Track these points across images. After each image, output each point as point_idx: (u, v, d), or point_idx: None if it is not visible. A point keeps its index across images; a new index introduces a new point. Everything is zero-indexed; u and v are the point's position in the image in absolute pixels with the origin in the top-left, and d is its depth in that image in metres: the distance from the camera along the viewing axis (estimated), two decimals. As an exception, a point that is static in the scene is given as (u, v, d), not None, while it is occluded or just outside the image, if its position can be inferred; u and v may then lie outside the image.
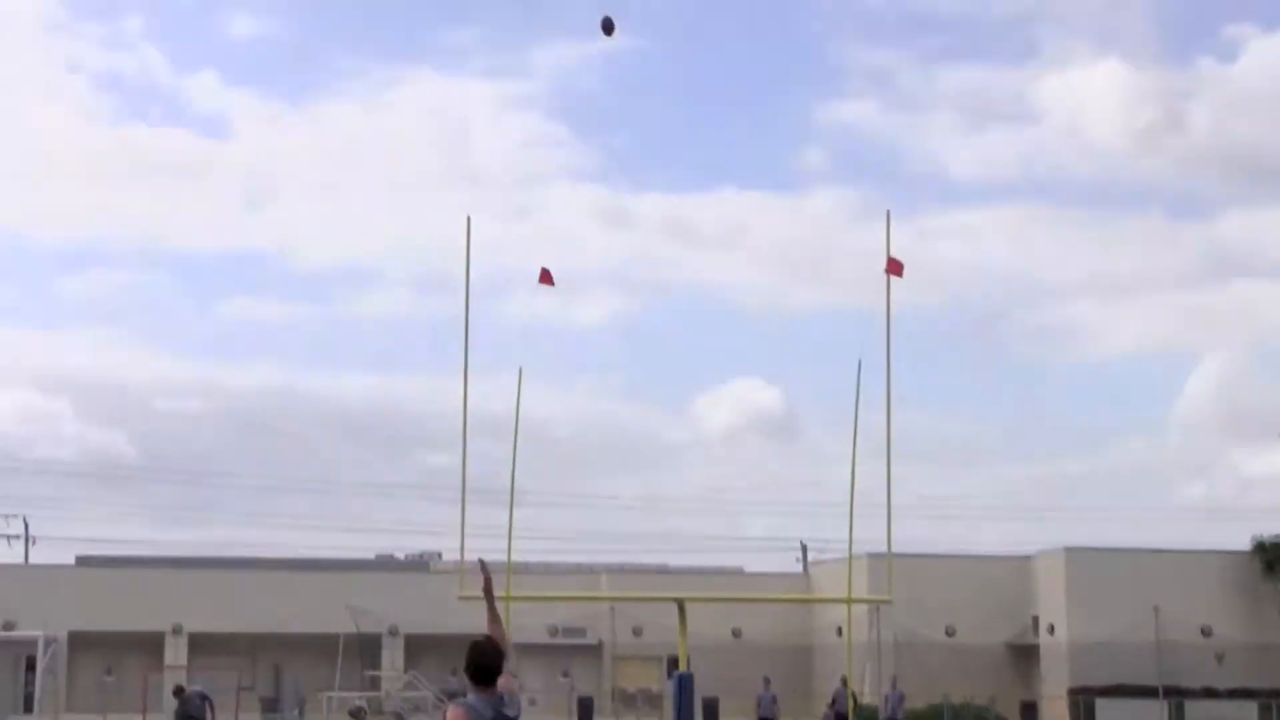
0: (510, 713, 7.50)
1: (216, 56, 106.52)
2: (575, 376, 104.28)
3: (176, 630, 56.33)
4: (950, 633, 55.27)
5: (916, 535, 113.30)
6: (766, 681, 38.96)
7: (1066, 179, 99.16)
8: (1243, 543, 54.22)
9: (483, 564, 8.65)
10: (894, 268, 27.94)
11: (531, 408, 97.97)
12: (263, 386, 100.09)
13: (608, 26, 19.53)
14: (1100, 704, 50.60)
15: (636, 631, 57.24)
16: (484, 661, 7.44)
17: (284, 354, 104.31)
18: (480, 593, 8.37)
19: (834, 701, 38.63)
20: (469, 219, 28.13)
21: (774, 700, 38.24)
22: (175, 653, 55.59)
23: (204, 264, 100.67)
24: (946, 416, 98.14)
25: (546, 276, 27.78)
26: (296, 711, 43.43)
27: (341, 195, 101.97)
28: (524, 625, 52.91)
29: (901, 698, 39.61)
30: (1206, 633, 52.57)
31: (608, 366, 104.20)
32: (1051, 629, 53.71)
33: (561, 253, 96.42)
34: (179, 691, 27.12)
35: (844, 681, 38.25)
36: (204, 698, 25.47)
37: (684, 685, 28.57)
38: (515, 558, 31.05)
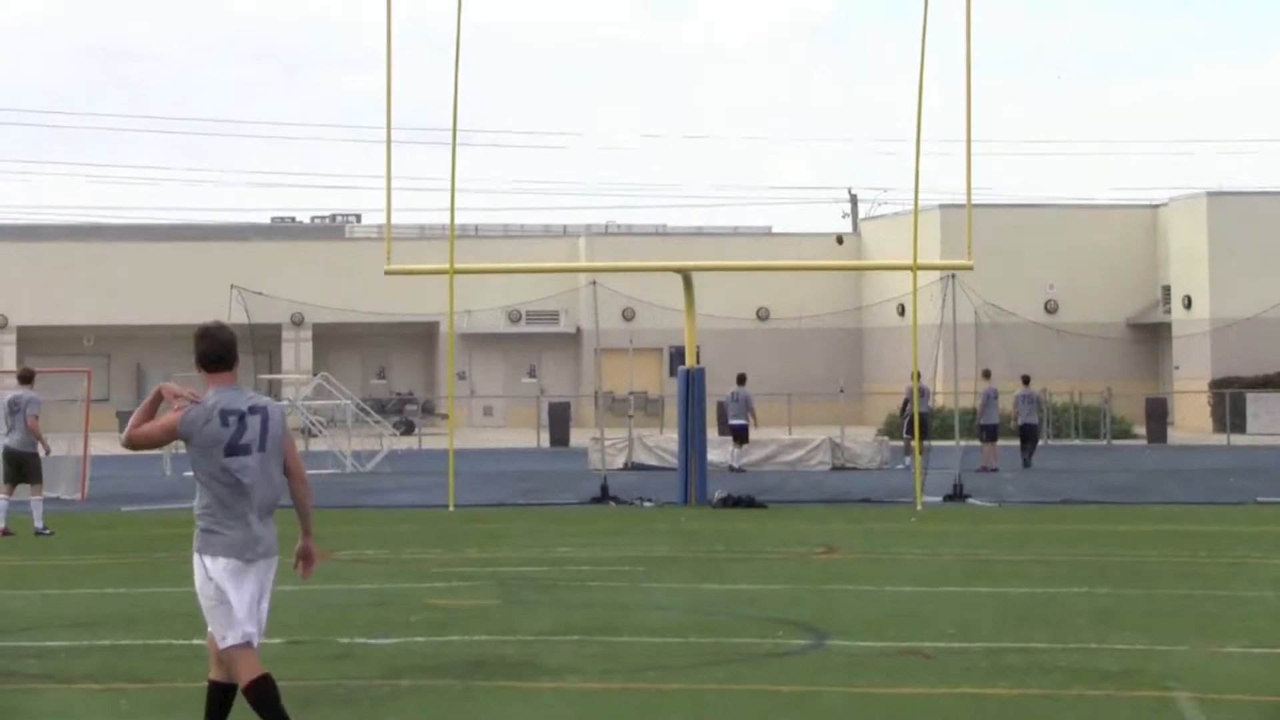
0: (260, 402, 8.81)
1: None
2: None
3: (1, 324, 58.53)
4: (1051, 309, 57.85)
5: (1006, 179, 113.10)
6: (740, 379, 39.07)
7: None
8: None
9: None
10: None
11: (485, 8, 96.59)
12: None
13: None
14: (1252, 399, 52.62)
15: (627, 315, 58.83)
16: (220, 337, 8.83)
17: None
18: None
19: (905, 405, 39.11)
20: None
21: (747, 404, 38.34)
22: (-1, 353, 57.68)
23: None
24: (1050, 13, 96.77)
25: None
26: (168, 429, 43.82)
27: None
28: (475, 309, 55.27)
29: (995, 395, 41.17)
30: (1396, 302, 54.70)
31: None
32: (1188, 302, 55.67)
33: None
34: (28, 377, 27.10)
35: (916, 378, 39.05)
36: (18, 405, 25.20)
37: (693, 385, 29.34)
38: (462, 218, 31.63)
